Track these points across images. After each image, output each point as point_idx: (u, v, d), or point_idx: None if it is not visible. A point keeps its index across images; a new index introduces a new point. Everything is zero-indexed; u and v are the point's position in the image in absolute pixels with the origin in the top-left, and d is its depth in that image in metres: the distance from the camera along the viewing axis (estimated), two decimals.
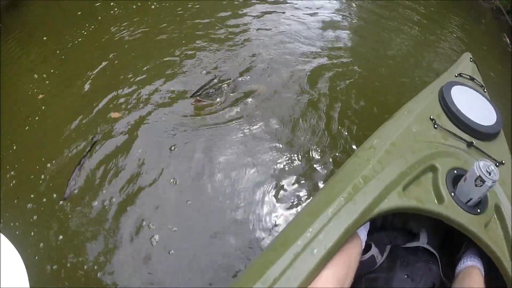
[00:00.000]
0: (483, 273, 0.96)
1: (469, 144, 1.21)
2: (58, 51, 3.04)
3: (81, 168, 2.09)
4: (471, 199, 0.98)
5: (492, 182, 0.92)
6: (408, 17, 3.74)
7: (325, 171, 2.10)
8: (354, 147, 2.21)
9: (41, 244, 1.81)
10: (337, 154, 2.18)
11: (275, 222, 1.87)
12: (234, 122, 2.37)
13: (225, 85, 2.56)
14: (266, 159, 2.15)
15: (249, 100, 2.52)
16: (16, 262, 1.18)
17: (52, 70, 2.85)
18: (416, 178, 1.02)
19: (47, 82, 2.75)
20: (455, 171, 1.05)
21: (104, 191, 1.98)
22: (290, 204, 1.95)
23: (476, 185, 0.95)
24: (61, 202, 1.94)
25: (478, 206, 1.00)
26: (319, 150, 2.21)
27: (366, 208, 0.89)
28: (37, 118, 2.43)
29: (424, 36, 3.47)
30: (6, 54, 3.03)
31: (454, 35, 3.58)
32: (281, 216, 1.89)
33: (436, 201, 0.99)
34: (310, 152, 2.20)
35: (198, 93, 2.42)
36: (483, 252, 0.96)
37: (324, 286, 0.79)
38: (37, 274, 1.71)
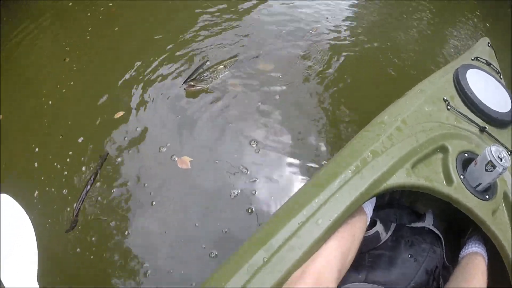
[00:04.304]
0: (486, 260, 0.95)
1: (482, 129, 1.18)
2: None
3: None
4: (480, 184, 0.96)
5: (503, 168, 0.90)
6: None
7: (332, 146, 2.09)
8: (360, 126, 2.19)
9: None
10: (344, 129, 2.17)
11: (279, 193, 1.89)
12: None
13: (222, 66, 2.45)
14: (271, 133, 2.13)
15: (253, 80, 2.43)
16: (24, 222, 1.18)
17: None
18: (426, 157, 0.99)
19: None
20: (466, 154, 1.03)
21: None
22: (296, 175, 1.96)
23: (486, 170, 0.93)
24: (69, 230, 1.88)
25: (487, 192, 0.98)
26: (327, 126, 2.18)
27: (373, 182, 0.87)
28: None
29: (440, 24, 3.38)
30: None
31: (473, 24, 3.46)
32: (286, 186, 1.91)
33: (444, 182, 0.96)
34: (317, 127, 2.18)
35: (191, 78, 2.33)
36: (488, 239, 0.94)
37: (328, 257, 0.78)
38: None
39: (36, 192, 1.97)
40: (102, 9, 3.19)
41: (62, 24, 3.22)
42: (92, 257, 1.74)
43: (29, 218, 1.19)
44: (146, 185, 1.95)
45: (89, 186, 1.92)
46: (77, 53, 2.80)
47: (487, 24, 3.36)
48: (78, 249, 1.77)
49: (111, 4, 3.23)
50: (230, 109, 2.26)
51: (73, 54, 2.80)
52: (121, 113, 2.27)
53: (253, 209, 1.83)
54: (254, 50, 2.64)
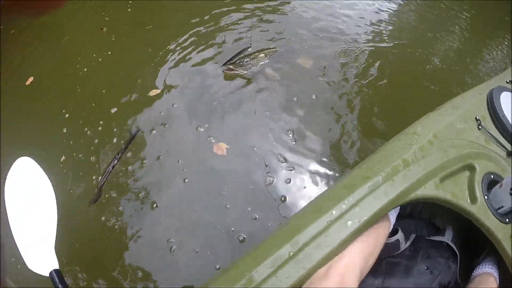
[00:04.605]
0: (498, 282, 0.97)
1: (509, 153, 1.18)
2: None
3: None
4: (502, 206, 0.97)
5: None
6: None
7: (362, 152, 2.08)
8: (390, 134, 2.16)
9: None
10: (376, 138, 2.14)
11: (306, 192, 1.90)
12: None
13: (263, 54, 2.46)
14: (302, 132, 2.13)
15: (291, 73, 2.42)
16: (45, 187, 1.20)
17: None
18: (453, 173, 1.01)
19: None
20: (492, 176, 1.04)
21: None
22: (324, 177, 1.96)
23: (510, 194, 0.94)
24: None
25: (508, 216, 0.99)
26: (359, 129, 2.17)
27: (403, 190, 0.89)
28: None
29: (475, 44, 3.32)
30: None
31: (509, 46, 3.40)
32: (313, 186, 1.92)
33: (469, 200, 0.98)
34: (349, 130, 2.16)
35: (231, 61, 2.35)
36: (501, 262, 0.96)
37: (352, 258, 0.80)
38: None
39: (63, 158, 2.03)
40: None
41: None
42: (116, 227, 1.78)
43: (52, 183, 1.21)
44: (180, 161, 1.98)
45: (116, 161, 1.96)
46: (116, 24, 2.84)
47: None
48: (102, 218, 1.81)
49: None
50: (266, 98, 2.27)
51: (112, 24, 2.84)
52: (157, 91, 2.30)
53: (286, 198, 1.85)
54: (296, 44, 2.63)
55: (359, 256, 0.82)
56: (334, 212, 0.84)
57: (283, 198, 1.85)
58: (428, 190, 0.92)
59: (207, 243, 1.71)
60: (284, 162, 1.98)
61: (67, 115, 2.22)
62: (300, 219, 0.88)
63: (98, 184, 1.88)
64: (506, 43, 3.28)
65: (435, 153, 1.00)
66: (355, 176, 0.93)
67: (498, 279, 0.97)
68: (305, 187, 1.90)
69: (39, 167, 1.24)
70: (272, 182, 1.90)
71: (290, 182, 1.91)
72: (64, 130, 2.15)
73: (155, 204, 1.84)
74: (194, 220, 1.79)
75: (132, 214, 1.82)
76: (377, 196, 0.86)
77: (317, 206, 0.89)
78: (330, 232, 0.81)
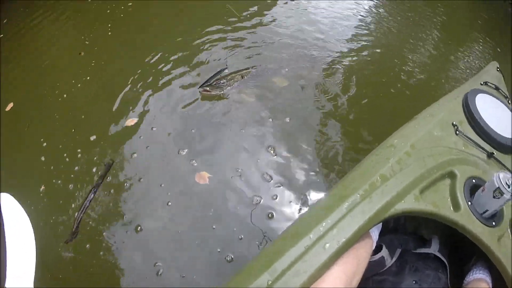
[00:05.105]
0: (491, 286, 0.95)
1: (490, 155, 1.18)
2: None
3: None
4: (487, 210, 0.96)
5: (511, 195, 0.90)
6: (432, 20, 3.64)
7: (341, 167, 2.08)
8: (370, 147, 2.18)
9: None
10: (353, 152, 2.16)
11: (287, 214, 1.88)
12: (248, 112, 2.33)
13: (239, 75, 2.50)
14: (282, 148, 2.14)
15: (267, 94, 2.46)
16: (24, 224, 1.18)
17: None
18: (434, 182, 0.99)
19: None
20: (474, 180, 1.03)
21: None
22: (303, 198, 1.95)
23: (494, 197, 0.93)
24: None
25: (493, 219, 0.98)
26: (336, 147, 2.18)
27: (382, 207, 0.87)
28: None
29: (450, 46, 3.38)
30: None
31: (484, 47, 3.47)
32: (293, 208, 1.90)
33: (452, 208, 0.97)
34: (327, 148, 2.18)
35: (207, 83, 2.39)
36: (493, 265, 0.94)
37: (333, 282, 0.78)
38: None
39: (42, 187, 1.98)
40: (122, 7, 3.24)
41: (83, 17, 3.26)
42: (101, 253, 1.74)
43: (32, 215, 1.19)
44: (162, 185, 1.95)
45: (92, 195, 1.91)
46: (95, 49, 2.83)
47: (498, 50, 3.36)
48: (87, 245, 1.76)
49: (130, 4, 3.30)
50: (244, 117, 2.28)
51: (91, 49, 2.84)
52: (135, 119, 2.28)
53: (274, 215, 1.84)
54: (271, 63, 2.68)
55: (340, 279, 0.79)
56: (311, 235, 0.81)
57: (270, 215, 1.83)
58: (408, 204, 0.90)
59: (194, 264, 1.67)
60: (269, 180, 1.97)
61: (45, 144, 2.18)
62: (279, 244, 0.85)
63: (75, 221, 1.81)
64: (481, 43, 3.36)
65: (413, 165, 0.99)
66: (333, 196, 0.91)
67: (491, 283, 0.96)
68: (290, 202, 1.89)
69: (19, 205, 1.23)
70: (260, 202, 1.88)
71: (276, 198, 1.90)
72: (43, 159, 2.11)
73: (139, 227, 1.80)
74: (180, 243, 1.75)
75: (116, 239, 1.78)
76: (355, 216, 0.84)
77: (296, 230, 0.87)
78: (308, 257, 0.78)
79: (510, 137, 1.26)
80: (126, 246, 1.74)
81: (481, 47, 3.33)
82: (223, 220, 1.82)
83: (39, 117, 2.36)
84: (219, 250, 1.71)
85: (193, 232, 1.78)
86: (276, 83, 2.51)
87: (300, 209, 1.89)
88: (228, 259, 1.68)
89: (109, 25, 3.05)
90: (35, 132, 2.27)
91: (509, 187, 0.90)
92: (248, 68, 2.59)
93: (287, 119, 2.27)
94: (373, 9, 3.59)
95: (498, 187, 0.91)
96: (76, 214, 1.83)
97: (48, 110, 2.39)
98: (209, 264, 1.68)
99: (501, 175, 0.91)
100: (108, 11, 3.24)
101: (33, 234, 1.19)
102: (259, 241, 1.73)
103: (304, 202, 1.92)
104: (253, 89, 2.45)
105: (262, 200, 1.88)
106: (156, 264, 1.68)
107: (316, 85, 2.54)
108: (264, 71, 2.58)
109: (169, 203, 1.88)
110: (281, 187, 1.95)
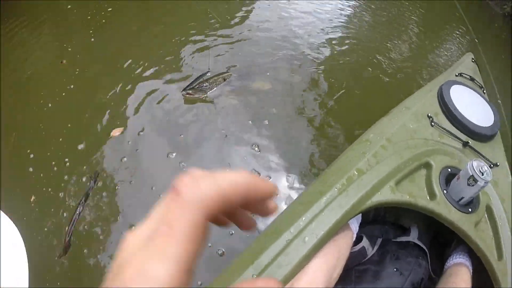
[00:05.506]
0: (471, 270, 0.99)
1: (465, 144, 1.22)
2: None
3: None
4: (463, 197, 1.00)
5: (485, 182, 0.93)
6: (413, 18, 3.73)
7: (320, 164, 2.15)
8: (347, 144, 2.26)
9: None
10: (333, 149, 2.23)
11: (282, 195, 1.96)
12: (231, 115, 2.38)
13: (221, 78, 2.55)
14: (266, 145, 2.20)
15: (249, 96, 2.52)
16: (16, 241, 1.18)
17: None
18: (409, 173, 1.03)
19: None
20: (449, 170, 1.07)
21: None
22: (284, 193, 2.01)
23: (468, 184, 0.96)
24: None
25: (470, 205, 1.01)
26: (315, 145, 2.25)
27: (358, 200, 0.90)
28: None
29: (429, 38, 3.46)
30: None
31: (462, 38, 3.55)
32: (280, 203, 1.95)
33: (428, 197, 1.00)
34: (306, 145, 2.25)
35: (190, 87, 2.43)
36: (472, 250, 0.98)
37: (314, 274, 0.81)
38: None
39: (33, 197, 1.96)
40: (102, 13, 3.25)
41: (63, 24, 3.26)
42: (98, 256, 1.74)
43: (24, 226, 1.18)
44: (153, 188, 1.98)
45: (81, 207, 1.89)
46: (77, 57, 2.83)
47: (476, 40, 3.45)
48: (85, 250, 1.76)
49: (110, 9, 3.30)
50: (227, 119, 2.33)
51: (74, 56, 2.84)
52: (121, 128, 2.28)
53: None
54: (252, 66, 2.74)
55: (321, 270, 0.83)
56: (292, 230, 0.85)
57: None
58: (384, 196, 0.94)
59: None
60: (257, 174, 2.01)
61: (32, 155, 2.15)
62: (261, 240, 0.89)
63: (66, 235, 1.79)
64: (459, 33, 3.43)
65: (389, 158, 1.02)
66: (311, 192, 0.95)
67: (470, 267, 0.99)
68: (277, 196, 1.94)
69: (10, 221, 1.23)
70: None
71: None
72: (30, 170, 2.08)
73: (133, 227, 1.80)
74: None
75: (112, 240, 1.79)
76: (332, 209, 0.88)
77: (277, 226, 0.90)
78: (289, 250, 0.82)
79: (484, 125, 1.31)
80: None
81: (459, 38, 3.42)
82: None
83: (24, 128, 2.33)
84: (210, 245, 1.75)
85: None
86: (258, 86, 2.57)
87: (285, 203, 1.94)
88: (220, 253, 1.72)
89: (91, 31, 3.05)
90: (21, 143, 2.24)
91: (482, 175, 0.93)
92: (228, 72, 2.64)
93: (266, 122, 2.34)
94: (354, 9, 3.66)
95: (472, 175, 0.94)
96: (66, 228, 1.82)
97: (33, 121, 2.36)
98: (201, 258, 1.69)
99: (475, 163, 0.95)
100: (89, 17, 3.24)
101: (23, 245, 1.19)
102: (249, 235, 1.77)
103: (288, 197, 1.98)
104: (235, 92, 2.50)
105: None
106: None
107: (297, 86, 2.61)
108: (246, 74, 2.64)
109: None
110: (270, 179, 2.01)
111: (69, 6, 3.39)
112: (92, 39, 2.98)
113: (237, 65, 2.73)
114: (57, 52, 2.93)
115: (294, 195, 1.99)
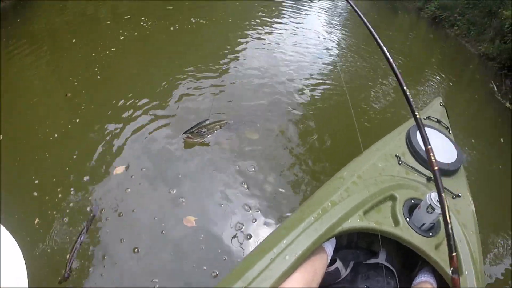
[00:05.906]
0: (435, 287, 1.12)
1: (429, 179, 1.40)
2: None
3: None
4: (424, 224, 1.15)
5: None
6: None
7: (304, 195, 2.39)
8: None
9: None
10: (310, 188, 2.46)
11: (257, 236, 2.11)
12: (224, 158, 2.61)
13: (218, 126, 2.80)
14: (256, 184, 2.42)
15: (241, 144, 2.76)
16: (15, 256, 1.22)
17: None
18: (376, 204, 1.21)
19: None
20: (412, 201, 1.24)
21: None
22: (271, 222, 2.21)
23: (427, 212, 1.12)
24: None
25: (431, 231, 1.16)
26: (298, 184, 2.50)
27: (330, 226, 1.08)
28: None
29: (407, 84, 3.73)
30: None
31: (438, 82, 3.86)
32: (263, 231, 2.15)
33: (393, 224, 1.17)
34: (290, 184, 2.49)
35: (190, 131, 2.66)
36: (436, 269, 1.12)
37: (293, 286, 0.97)
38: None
39: (37, 220, 2.05)
40: (107, 52, 3.50)
41: (69, 59, 3.48)
42: (103, 274, 1.84)
43: (27, 248, 1.19)
44: (156, 218, 2.11)
45: (82, 237, 1.97)
46: (82, 92, 3.04)
47: (450, 83, 3.77)
48: (90, 269, 1.86)
49: (114, 49, 3.58)
50: (221, 162, 2.56)
51: (79, 92, 3.05)
52: (122, 166, 2.43)
53: (252, 236, 2.09)
54: (245, 116, 3.04)
55: (299, 283, 0.99)
56: (275, 250, 1.02)
57: (248, 236, 2.08)
58: (353, 223, 1.12)
59: (187, 282, 1.84)
60: (248, 210, 2.23)
61: (36, 181, 2.26)
62: (249, 259, 1.05)
63: (67, 263, 1.87)
64: (436, 77, 3.73)
65: (358, 192, 1.21)
66: (293, 219, 1.13)
67: (435, 284, 1.12)
68: (265, 224, 2.17)
69: (12, 238, 1.27)
70: (241, 228, 2.12)
71: (255, 221, 2.17)
72: (35, 194, 2.18)
73: (136, 249, 1.94)
74: (174, 264, 1.91)
75: (114, 266, 1.88)
76: (309, 233, 1.05)
77: (263, 246, 1.07)
78: (273, 266, 0.98)
79: (447, 162, 1.50)
80: (123, 267, 1.88)
81: (435, 82, 3.71)
82: (209, 242, 2.02)
83: (30, 154, 2.45)
84: (204, 267, 1.89)
85: (185, 252, 1.97)
86: (248, 135, 2.84)
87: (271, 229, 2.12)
88: (214, 274, 1.86)
89: (96, 69, 3.28)
90: (25, 168, 2.34)
91: (438, 204, 1.07)
92: (223, 120, 2.91)
93: (253, 167, 2.56)
94: (338, 57, 4.00)
95: (430, 204, 1.10)
96: (68, 256, 1.89)
97: (38, 148, 2.49)
98: (198, 278, 1.86)
99: (433, 194, 1.10)
100: (94, 54, 3.49)
101: (24, 264, 1.23)
102: (240, 259, 1.94)
103: (271, 225, 2.18)
104: (229, 139, 2.76)
105: (243, 227, 2.12)
106: (153, 280, 1.83)
107: (285, 134, 2.91)
108: (238, 123, 2.93)
109: (163, 232, 2.06)
110: (259, 212, 2.22)
111: (74, 40, 3.65)
112: (98, 76, 3.20)
113: (231, 114, 3.02)
114: (61, 84, 3.13)
115: (280, 221, 2.17)
